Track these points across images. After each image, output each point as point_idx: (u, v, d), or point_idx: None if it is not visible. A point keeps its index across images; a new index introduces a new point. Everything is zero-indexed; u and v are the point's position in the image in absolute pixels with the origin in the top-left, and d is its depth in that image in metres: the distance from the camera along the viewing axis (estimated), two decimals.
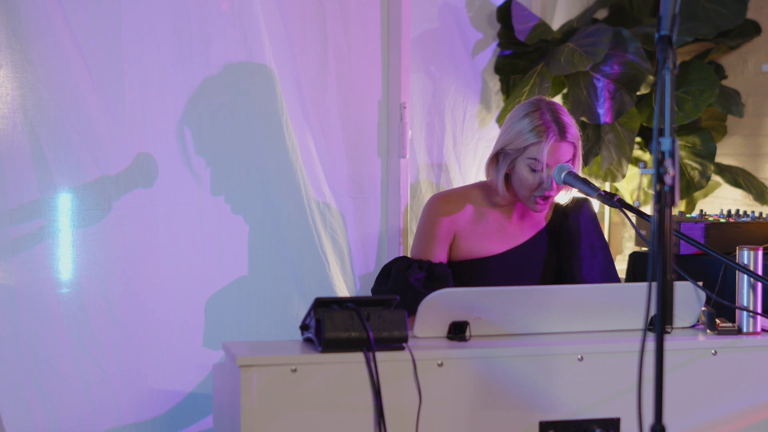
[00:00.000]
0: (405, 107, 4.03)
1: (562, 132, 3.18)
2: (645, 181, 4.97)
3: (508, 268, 3.27)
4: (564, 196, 3.29)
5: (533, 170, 3.18)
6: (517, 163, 3.22)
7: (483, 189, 3.35)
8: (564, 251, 3.33)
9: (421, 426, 2.55)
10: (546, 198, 3.21)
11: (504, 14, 4.58)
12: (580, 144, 3.26)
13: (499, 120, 4.55)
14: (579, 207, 3.36)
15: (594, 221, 3.38)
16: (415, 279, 3.20)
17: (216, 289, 3.63)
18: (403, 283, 3.19)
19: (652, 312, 2.08)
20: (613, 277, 3.35)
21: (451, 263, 3.30)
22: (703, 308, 2.85)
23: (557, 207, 3.38)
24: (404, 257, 3.35)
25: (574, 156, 3.24)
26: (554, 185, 3.19)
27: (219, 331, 3.62)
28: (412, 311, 2.77)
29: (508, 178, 3.28)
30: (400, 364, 2.54)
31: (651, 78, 4.58)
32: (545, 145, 3.16)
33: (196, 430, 3.57)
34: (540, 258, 3.32)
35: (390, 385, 2.53)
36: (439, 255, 3.27)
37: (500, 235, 3.31)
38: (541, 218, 3.36)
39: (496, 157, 3.28)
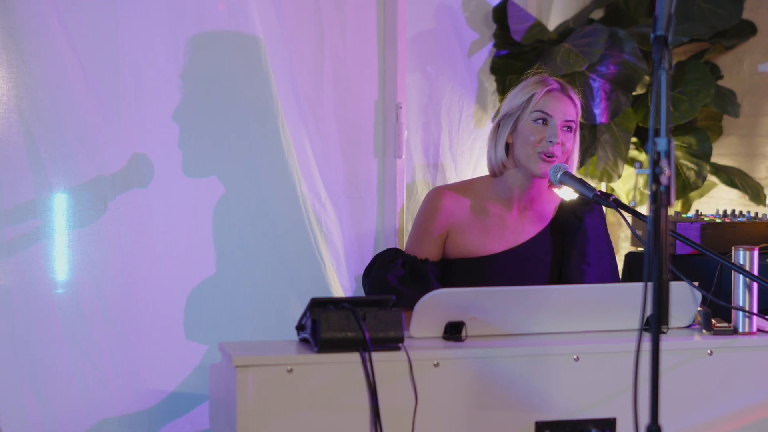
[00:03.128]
0: (401, 107, 4.03)
1: (563, 87, 3.22)
2: (641, 181, 4.97)
3: (510, 269, 3.24)
4: (568, 193, 3.24)
5: (537, 122, 3.17)
6: (520, 121, 3.20)
7: (486, 181, 3.33)
8: (570, 254, 3.29)
9: (417, 426, 2.54)
10: (550, 156, 3.18)
11: (500, 14, 4.58)
12: (578, 118, 3.24)
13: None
14: (591, 209, 3.32)
15: (603, 224, 3.35)
16: (393, 277, 3.19)
17: (212, 290, 3.63)
18: (381, 281, 3.19)
19: (648, 312, 2.08)
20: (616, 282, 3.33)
21: (449, 261, 3.28)
22: (698, 308, 2.85)
23: (563, 204, 3.35)
24: (394, 249, 3.33)
25: (576, 129, 3.22)
26: (559, 141, 3.17)
27: (215, 331, 3.61)
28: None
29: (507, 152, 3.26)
30: (396, 364, 2.54)
31: (647, 78, 4.58)
32: (546, 91, 3.18)
33: (186, 421, 3.56)
34: (544, 258, 3.29)
35: (386, 386, 2.53)
36: (429, 251, 3.25)
37: (501, 230, 3.27)
38: (545, 214, 3.32)
39: (498, 126, 3.27)
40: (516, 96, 3.24)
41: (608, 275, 3.30)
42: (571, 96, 3.22)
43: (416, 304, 2.68)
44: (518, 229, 3.28)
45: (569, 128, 3.19)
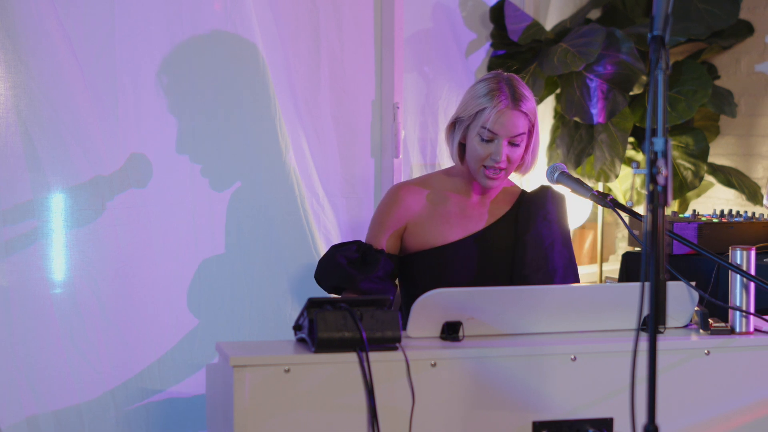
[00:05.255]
0: (398, 107, 4.03)
1: (515, 100, 3.13)
2: (638, 181, 4.98)
3: (470, 256, 3.22)
4: (525, 182, 3.21)
5: (483, 140, 3.14)
6: (469, 132, 3.17)
7: (446, 173, 3.32)
8: (526, 241, 3.26)
9: (414, 426, 2.55)
10: (496, 171, 3.15)
11: (497, 14, 4.58)
12: (537, 122, 3.20)
13: None
14: (542, 194, 3.31)
15: (556, 211, 3.30)
16: (343, 257, 3.19)
17: (209, 290, 3.63)
18: (331, 258, 3.20)
19: (645, 312, 2.08)
20: (567, 273, 3.29)
21: (409, 256, 3.26)
22: (695, 308, 2.86)
23: (523, 194, 3.33)
24: (357, 241, 3.31)
25: (531, 133, 3.19)
26: (504, 159, 3.14)
27: (212, 331, 3.61)
28: (339, 288, 3.19)
29: (463, 150, 3.24)
30: (393, 364, 2.54)
31: (644, 78, 4.58)
32: (495, 110, 3.12)
33: (184, 421, 3.56)
34: (503, 245, 3.25)
35: (383, 385, 2.53)
36: (383, 243, 3.23)
37: (462, 218, 3.25)
38: (505, 201, 3.30)
39: (453, 126, 3.25)
40: (468, 104, 3.18)
41: (560, 266, 3.26)
42: (522, 108, 3.14)
43: (414, 303, 2.69)
44: (477, 218, 3.26)
45: (515, 143, 3.16)
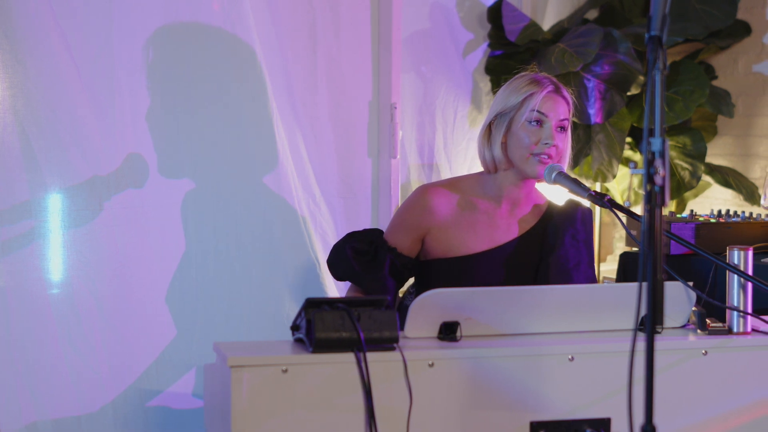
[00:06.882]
0: (396, 108, 4.03)
1: (557, 86, 3.17)
2: (635, 181, 4.98)
3: (494, 268, 3.20)
4: (557, 194, 3.20)
5: (532, 126, 3.12)
6: (514, 123, 3.14)
7: (475, 178, 3.29)
8: (549, 257, 3.24)
9: (411, 426, 2.54)
10: (546, 157, 3.13)
11: (494, 15, 4.58)
12: (571, 115, 3.21)
13: None
14: (571, 211, 3.28)
15: (585, 231, 3.29)
16: (350, 248, 3.19)
17: (207, 290, 3.63)
18: (341, 249, 3.20)
19: (643, 312, 2.08)
20: None
21: (429, 262, 3.24)
22: (693, 308, 2.85)
23: (552, 206, 3.30)
24: (378, 230, 3.30)
25: (568, 127, 3.18)
26: (556, 141, 3.13)
27: (210, 331, 3.61)
28: (344, 278, 3.22)
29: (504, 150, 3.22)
30: (390, 364, 2.54)
31: (641, 78, 4.59)
32: (543, 93, 3.13)
33: (182, 421, 3.56)
34: (529, 258, 3.24)
35: (381, 386, 2.53)
36: (401, 244, 3.21)
37: (488, 229, 3.21)
38: (533, 214, 3.27)
39: (489, 128, 3.22)
40: (510, 95, 3.18)
41: (575, 280, 3.25)
42: (564, 95, 3.17)
43: (411, 303, 2.68)
44: (507, 227, 3.23)
45: (563, 128, 3.16)
